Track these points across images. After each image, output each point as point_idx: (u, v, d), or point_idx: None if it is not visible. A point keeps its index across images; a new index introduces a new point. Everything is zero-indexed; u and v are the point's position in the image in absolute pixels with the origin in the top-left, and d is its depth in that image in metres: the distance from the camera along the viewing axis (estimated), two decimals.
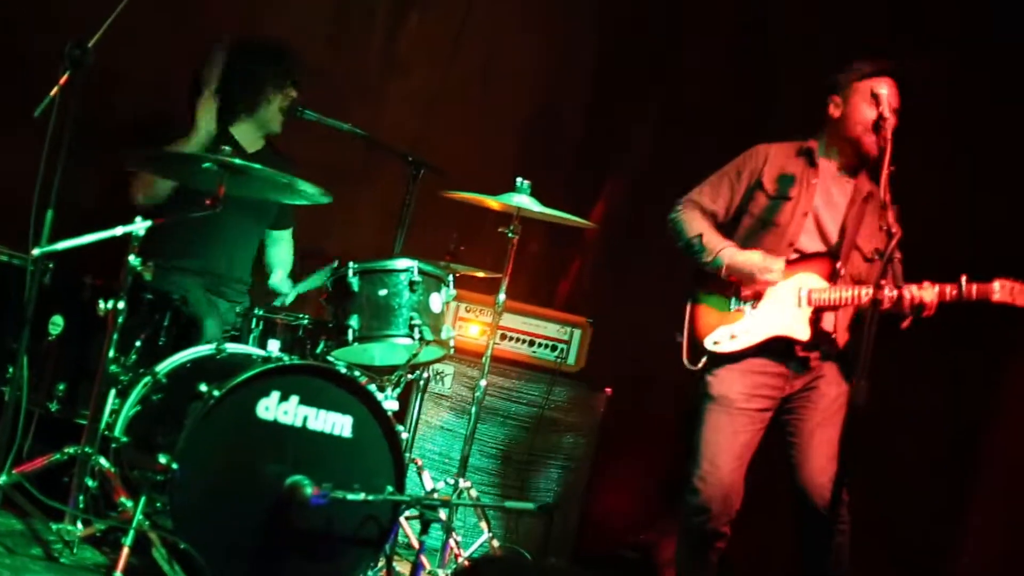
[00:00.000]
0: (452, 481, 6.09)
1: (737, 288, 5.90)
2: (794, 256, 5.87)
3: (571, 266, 8.38)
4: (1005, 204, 6.79)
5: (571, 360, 7.15)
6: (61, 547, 5.00)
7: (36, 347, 5.39)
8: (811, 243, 5.91)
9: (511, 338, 7.14)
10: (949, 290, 5.59)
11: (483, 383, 6.06)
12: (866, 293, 5.62)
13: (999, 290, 5.54)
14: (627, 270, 8.07)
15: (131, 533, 4.85)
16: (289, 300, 6.43)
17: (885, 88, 5.75)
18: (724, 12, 8.14)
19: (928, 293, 5.60)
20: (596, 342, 7.19)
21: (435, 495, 6.07)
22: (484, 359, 6.08)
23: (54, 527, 5.06)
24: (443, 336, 5.79)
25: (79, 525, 5.06)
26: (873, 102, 5.74)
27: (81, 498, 5.11)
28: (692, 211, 6.06)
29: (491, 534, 6.26)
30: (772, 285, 5.82)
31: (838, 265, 5.81)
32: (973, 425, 6.82)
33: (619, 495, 7.53)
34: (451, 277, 5.92)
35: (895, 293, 5.55)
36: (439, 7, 7.95)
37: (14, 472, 5.09)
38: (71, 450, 5.16)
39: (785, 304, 5.82)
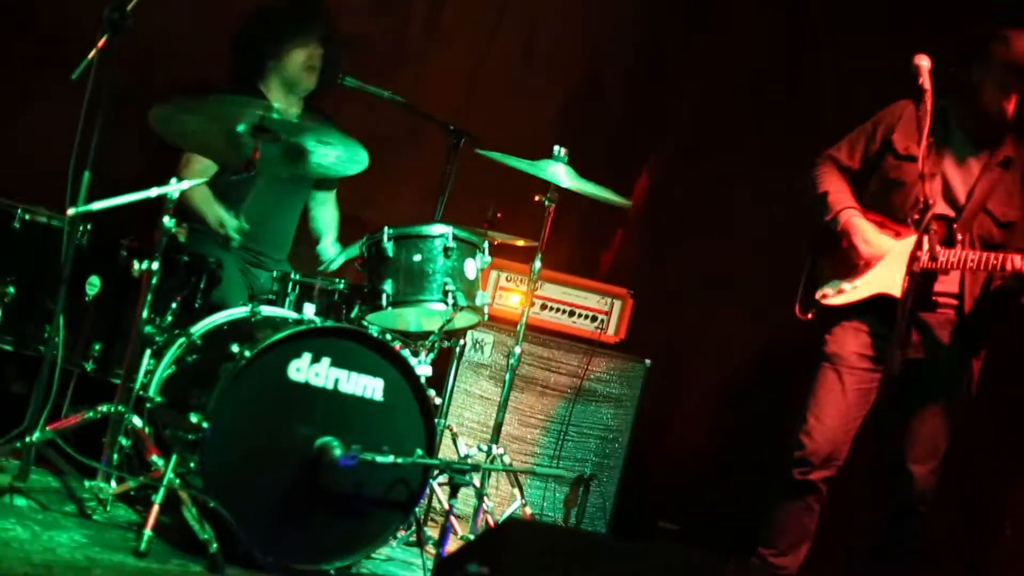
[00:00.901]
0: (485, 447, 6.09)
1: (847, 251, 5.93)
2: (917, 217, 5.80)
3: (613, 237, 8.36)
4: None
5: (611, 331, 7.14)
6: (94, 504, 5.02)
7: (73, 307, 5.44)
8: (938, 205, 5.82)
9: (551, 308, 7.14)
10: (992, 259, 5.57)
11: (518, 350, 6.05)
12: (971, 259, 5.62)
13: None
14: (669, 241, 8.05)
15: (161, 491, 4.86)
16: (336, 265, 6.44)
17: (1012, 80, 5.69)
18: None
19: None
20: (637, 313, 7.16)
21: (467, 461, 6.06)
22: (519, 326, 6.07)
23: (87, 484, 5.09)
24: (477, 302, 5.79)
25: (112, 483, 5.09)
26: (1006, 104, 5.72)
27: (115, 457, 5.13)
28: (827, 166, 6.14)
29: (524, 501, 6.26)
30: (869, 260, 5.84)
31: (955, 227, 5.76)
32: None
33: (659, 467, 7.50)
34: (486, 244, 5.91)
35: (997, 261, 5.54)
36: None
37: (48, 429, 5.11)
38: (105, 408, 5.18)
39: (894, 264, 5.78)
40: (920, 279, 5.21)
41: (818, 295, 5.99)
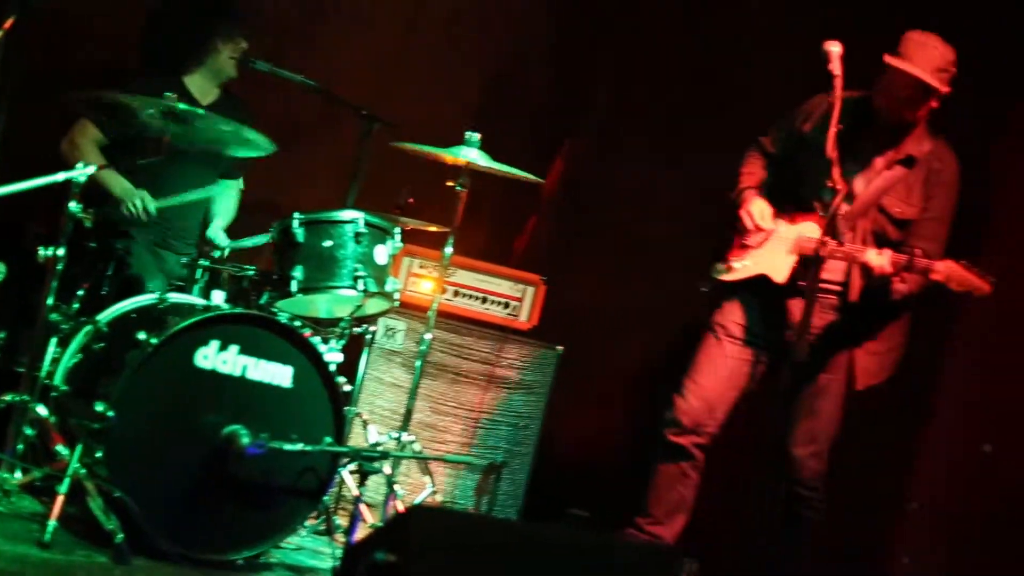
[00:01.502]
0: (395, 435, 6.07)
1: (743, 229, 6.08)
2: (810, 206, 5.93)
3: (526, 223, 8.34)
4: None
5: (524, 317, 7.13)
6: None
7: None
8: (830, 195, 5.79)
9: (463, 294, 7.10)
10: (903, 261, 5.64)
11: (428, 336, 6.02)
12: (857, 250, 5.73)
13: (938, 271, 5.59)
14: (583, 228, 8.04)
15: (66, 481, 4.82)
16: (225, 253, 6.36)
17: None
18: None
19: (884, 259, 5.64)
20: (550, 299, 7.15)
21: (377, 448, 6.03)
22: (430, 313, 6.04)
23: None
24: (387, 288, 5.74)
25: (17, 473, 5.04)
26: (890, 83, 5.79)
27: (20, 447, 5.07)
28: (754, 151, 6.31)
29: (434, 488, 6.24)
30: (756, 230, 5.98)
31: (842, 215, 5.79)
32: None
33: (570, 455, 7.50)
34: (398, 230, 5.87)
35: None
36: None
37: None
38: (9, 398, 5.12)
39: (778, 249, 5.94)
40: (815, 265, 5.38)
41: (712, 271, 6.16)
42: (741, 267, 6.06)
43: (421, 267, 7.06)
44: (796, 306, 5.84)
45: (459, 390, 7.00)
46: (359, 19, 7.76)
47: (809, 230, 5.84)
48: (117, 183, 6.16)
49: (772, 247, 5.98)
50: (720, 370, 6.03)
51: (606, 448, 7.60)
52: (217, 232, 6.63)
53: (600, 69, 8.28)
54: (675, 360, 6.39)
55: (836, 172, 5.30)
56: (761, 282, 5.97)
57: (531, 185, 6.50)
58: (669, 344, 7.38)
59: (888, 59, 5.70)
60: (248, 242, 6.07)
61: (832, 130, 5.31)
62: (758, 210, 6.00)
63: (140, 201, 6.08)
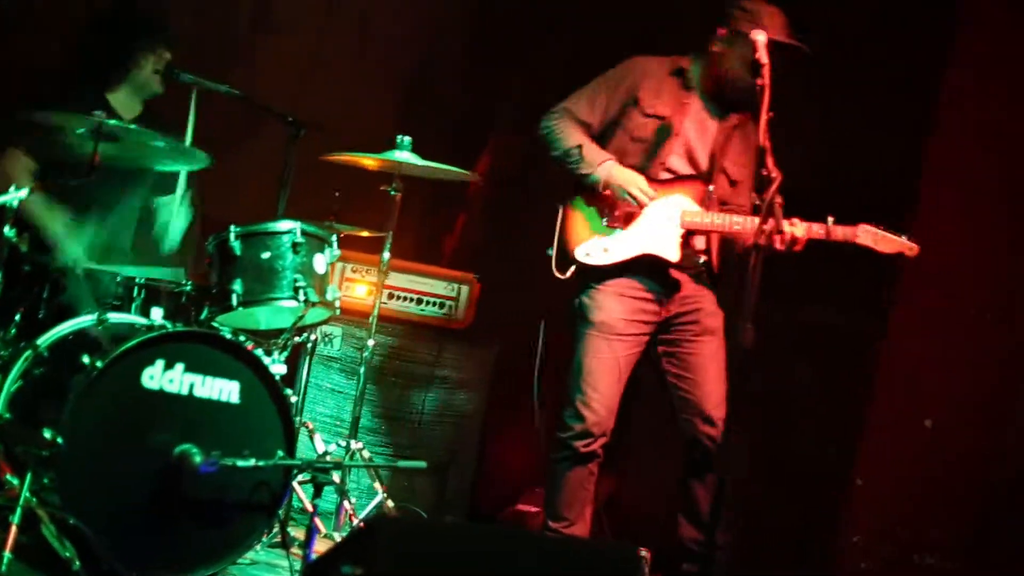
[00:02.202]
0: (344, 443, 6.05)
1: (613, 203, 5.90)
2: (666, 176, 5.89)
3: (455, 223, 8.34)
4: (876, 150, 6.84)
5: (459, 316, 7.13)
6: None
7: None
8: (682, 165, 5.93)
9: (398, 297, 7.09)
10: (816, 228, 5.64)
11: (371, 343, 6.02)
12: (737, 222, 5.72)
13: (862, 235, 5.64)
14: (511, 224, 8.04)
15: (18, 511, 4.75)
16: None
17: (763, 36, 5.69)
18: None
19: (799, 229, 5.62)
20: (483, 298, 7.16)
21: (327, 458, 6.01)
22: (371, 318, 6.04)
23: None
24: (328, 297, 5.73)
25: None
26: (753, 67, 5.68)
27: None
28: (567, 120, 6.01)
29: (385, 495, 6.23)
30: (645, 206, 5.82)
31: (710, 189, 5.85)
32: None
33: (512, 450, 7.51)
34: (335, 237, 5.85)
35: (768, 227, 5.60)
36: None
37: None
38: None
39: (658, 224, 5.83)
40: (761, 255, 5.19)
41: (579, 254, 5.92)
42: (616, 247, 5.87)
43: (353, 271, 7.05)
44: (683, 279, 5.90)
45: (400, 393, 7.00)
46: (271, 26, 7.73)
47: (683, 202, 5.81)
48: (54, 227, 6.05)
49: (651, 224, 5.84)
50: (616, 372, 5.89)
51: (547, 443, 7.60)
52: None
53: (515, 61, 8.28)
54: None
55: (770, 161, 5.29)
56: (645, 262, 5.86)
57: (457, 184, 6.50)
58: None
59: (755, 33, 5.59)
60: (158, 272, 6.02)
61: (763, 117, 5.30)
62: (644, 180, 5.84)
63: (72, 259, 5.97)
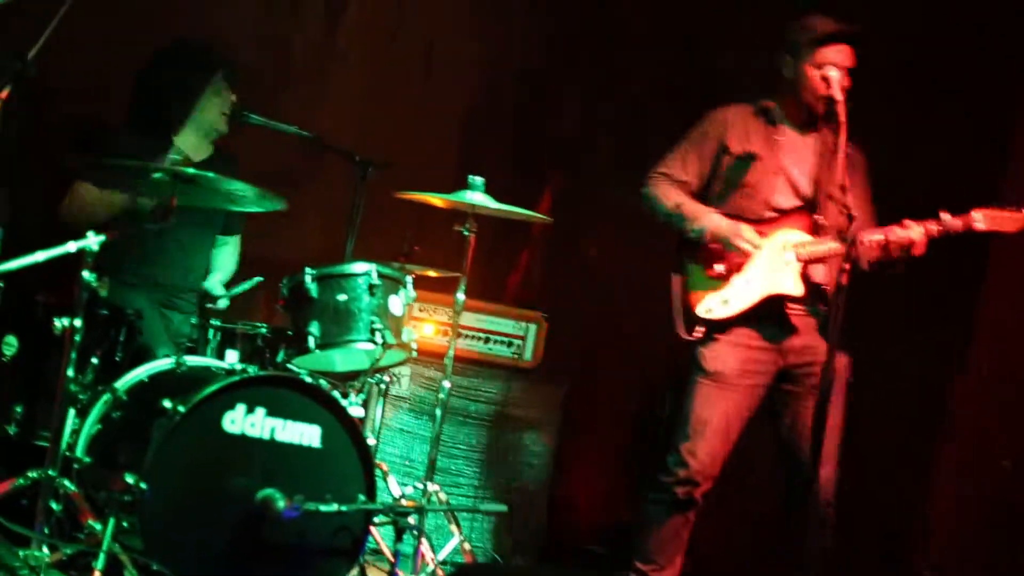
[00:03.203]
0: (420, 485, 6.01)
1: (722, 255, 5.90)
2: (771, 215, 5.88)
3: (520, 260, 8.31)
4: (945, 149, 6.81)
5: (527, 356, 7.09)
6: (28, 574, 4.86)
7: None
8: (786, 200, 5.91)
9: (466, 335, 7.07)
10: (931, 226, 5.62)
11: (447, 384, 5.95)
12: (903, 230, 5.67)
13: (981, 219, 5.60)
14: (575, 261, 8.03)
15: (101, 556, 4.76)
16: (222, 305, 6.28)
17: (835, 71, 5.68)
18: None
19: (915, 231, 5.62)
20: (551, 335, 7.13)
21: (404, 501, 5.98)
22: (446, 359, 5.97)
23: (21, 553, 4.92)
24: (405, 339, 5.72)
25: (46, 550, 4.94)
26: (824, 80, 5.72)
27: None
28: (664, 183, 6.06)
29: (462, 537, 6.20)
30: (756, 250, 5.80)
31: (817, 217, 5.81)
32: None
33: (583, 489, 7.48)
34: (410, 279, 5.84)
35: (879, 237, 5.60)
36: (372, 4, 7.84)
37: None
38: (34, 474, 5.02)
39: (772, 263, 5.80)
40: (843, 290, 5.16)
41: (701, 311, 5.91)
42: (735, 297, 5.86)
43: (421, 310, 7.03)
44: (803, 327, 5.86)
45: (468, 432, 6.97)
46: (334, 63, 7.73)
47: (793, 235, 5.80)
48: (117, 198, 6.07)
49: (767, 265, 5.82)
50: (724, 423, 5.87)
51: (620, 482, 7.58)
52: (214, 285, 6.56)
53: (574, 98, 8.26)
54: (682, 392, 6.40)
55: (850, 199, 5.27)
56: (764, 306, 5.83)
57: (520, 221, 6.46)
58: (666, 372, 7.38)
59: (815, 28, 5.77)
60: (241, 288, 6.02)
61: (841, 155, 5.29)
62: (746, 227, 5.85)
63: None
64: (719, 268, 5.90)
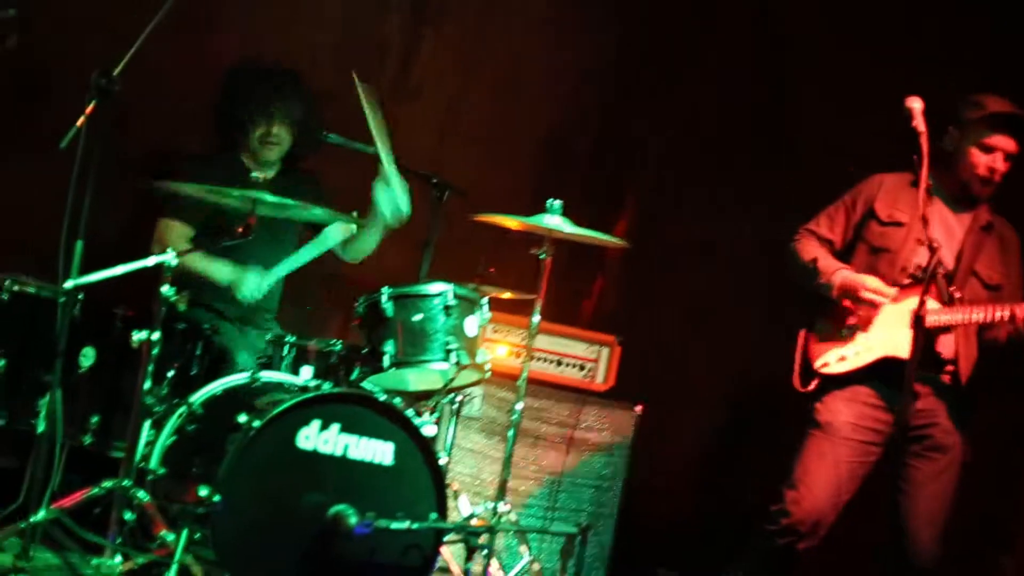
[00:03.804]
0: (491, 505, 6.02)
1: (849, 312, 5.91)
2: (907, 281, 5.85)
3: (594, 284, 8.31)
4: None
5: (600, 379, 7.09)
6: None
7: (68, 380, 5.32)
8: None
9: (539, 358, 7.08)
10: None
11: (519, 406, 5.94)
12: (978, 313, 5.65)
13: None
14: (649, 286, 8.02)
15: (174, 567, 4.79)
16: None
17: (999, 162, 5.80)
18: (741, 19, 8.07)
19: None
20: (624, 359, 7.12)
21: (475, 520, 5.99)
22: (520, 381, 5.97)
23: (93, 562, 4.99)
24: (479, 360, 5.73)
25: (118, 559, 5.00)
26: (986, 161, 5.81)
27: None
28: (809, 239, 6.12)
29: (531, 557, 6.19)
30: (881, 305, 5.79)
31: (952, 288, 5.77)
32: None
33: (655, 514, 7.46)
34: (485, 300, 5.85)
35: (1005, 313, 5.60)
36: (451, 29, 7.86)
37: (53, 507, 4.99)
38: (109, 484, 5.08)
39: (894, 325, 5.75)
40: (924, 336, 5.10)
41: (818, 365, 5.93)
42: (855, 355, 5.86)
43: (494, 332, 7.04)
44: (922, 390, 5.82)
45: (539, 453, 6.98)
46: (411, 86, 7.77)
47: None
48: (221, 270, 6.16)
49: (889, 327, 5.80)
50: (832, 476, 5.81)
51: (689, 506, 7.56)
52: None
53: (655, 123, 8.26)
54: (754, 418, 6.35)
55: (929, 231, 5.25)
56: (881, 367, 5.80)
57: (594, 245, 6.45)
58: (742, 399, 7.36)
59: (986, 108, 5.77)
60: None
61: (922, 187, 5.24)
62: (873, 279, 5.84)
63: (252, 291, 6.09)
64: (849, 324, 5.92)
